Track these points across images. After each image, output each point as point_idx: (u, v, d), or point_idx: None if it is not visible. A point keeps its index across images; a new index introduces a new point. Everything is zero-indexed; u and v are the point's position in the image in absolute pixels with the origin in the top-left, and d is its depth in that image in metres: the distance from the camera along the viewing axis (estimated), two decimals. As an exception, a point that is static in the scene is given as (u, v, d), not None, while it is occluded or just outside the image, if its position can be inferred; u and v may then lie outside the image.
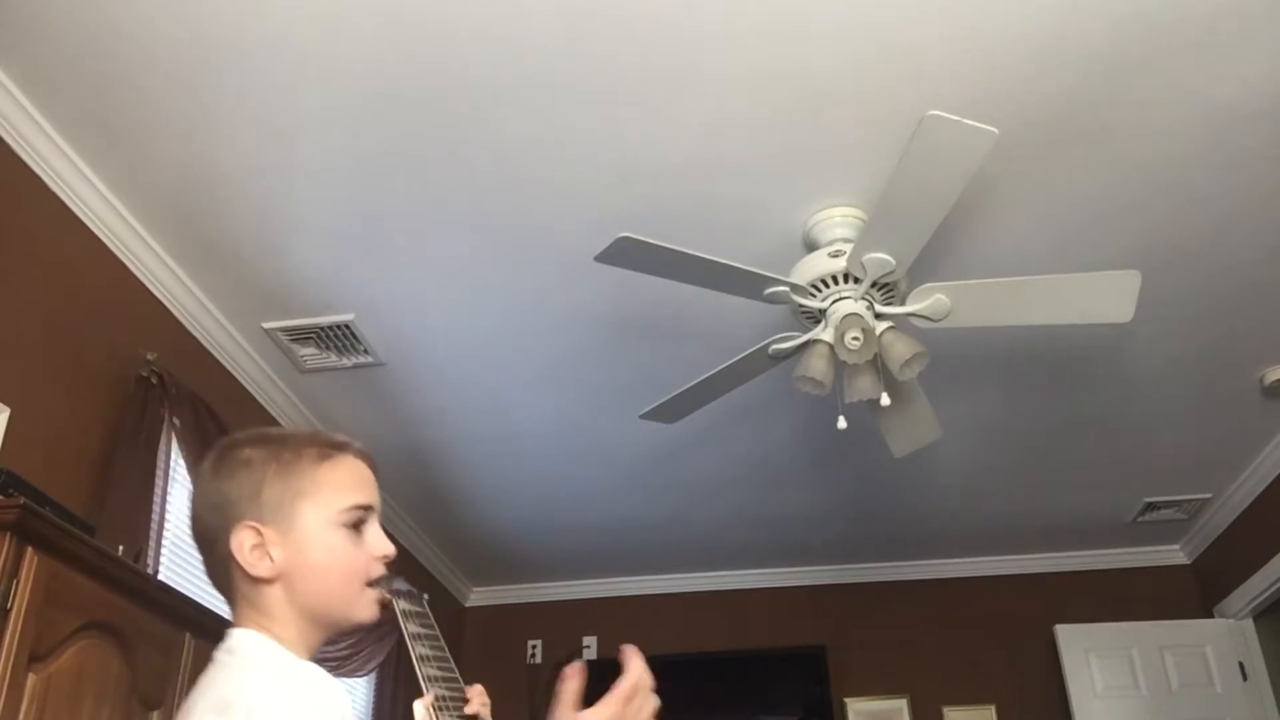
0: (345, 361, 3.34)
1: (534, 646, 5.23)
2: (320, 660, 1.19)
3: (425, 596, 1.25)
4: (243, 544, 1.12)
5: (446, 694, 1.16)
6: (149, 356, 2.68)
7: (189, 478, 2.71)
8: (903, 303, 2.60)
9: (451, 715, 1.14)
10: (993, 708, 4.88)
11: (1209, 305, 3.17)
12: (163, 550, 2.58)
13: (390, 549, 1.20)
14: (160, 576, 2.48)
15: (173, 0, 2.07)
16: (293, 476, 1.14)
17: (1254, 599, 4.52)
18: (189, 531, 1.21)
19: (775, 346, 2.74)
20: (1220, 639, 4.71)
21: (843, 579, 5.22)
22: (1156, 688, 4.64)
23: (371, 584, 1.18)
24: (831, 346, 2.59)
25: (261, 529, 1.12)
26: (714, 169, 2.57)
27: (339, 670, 3.40)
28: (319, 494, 1.15)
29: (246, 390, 3.33)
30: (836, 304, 2.57)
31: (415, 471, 4.01)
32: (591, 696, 1.20)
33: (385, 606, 1.21)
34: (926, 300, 2.58)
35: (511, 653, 5.21)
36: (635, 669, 1.14)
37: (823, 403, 3.20)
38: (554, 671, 1.17)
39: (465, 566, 5.09)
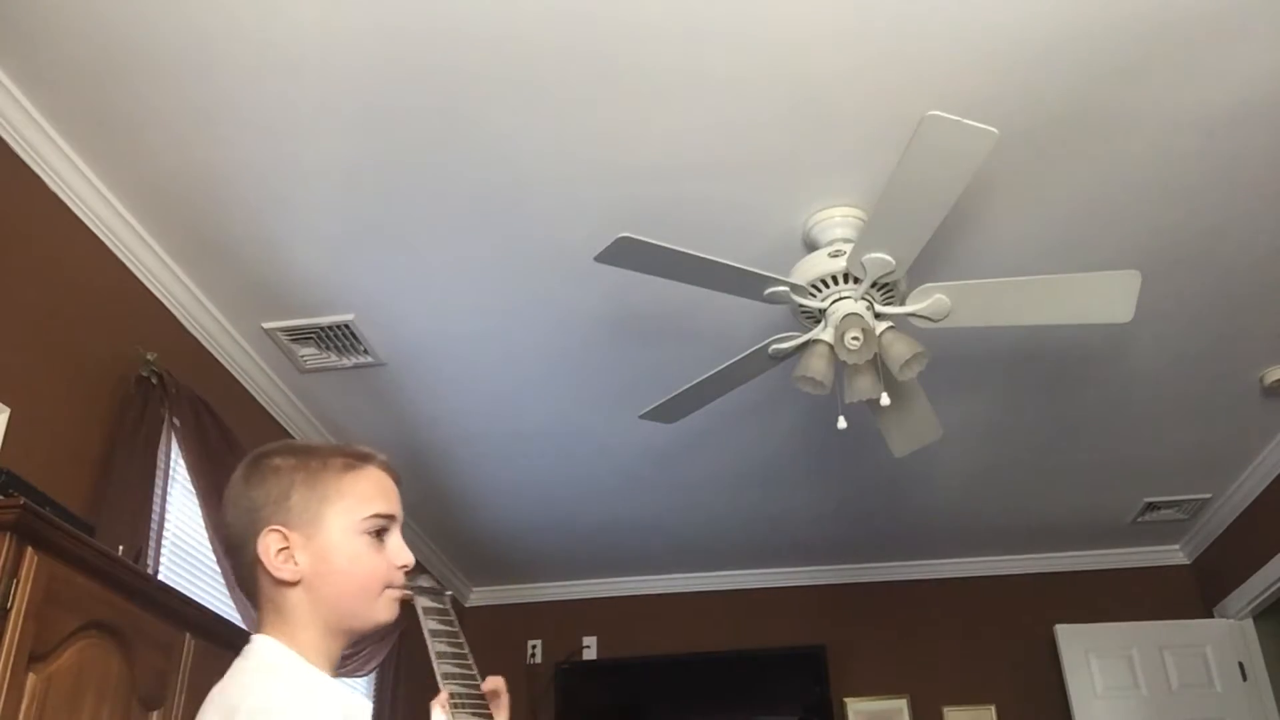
0: (345, 361, 3.34)
1: (534, 646, 5.23)
2: None
3: (449, 594, 1.27)
4: (269, 547, 1.17)
5: (462, 691, 1.17)
6: (149, 356, 2.67)
7: (189, 478, 2.71)
8: (903, 303, 2.60)
9: (467, 713, 1.15)
10: (993, 708, 4.88)
11: (1209, 305, 3.17)
12: (163, 550, 2.58)
13: (410, 558, 1.24)
14: (160, 576, 2.48)
15: (173, 1, 2.07)
16: (319, 484, 1.20)
17: (1254, 599, 4.52)
18: (218, 539, 1.25)
19: (775, 346, 2.74)
20: (1220, 639, 4.71)
21: (843, 579, 5.22)
22: (1156, 688, 4.65)
23: (391, 589, 1.21)
24: (831, 346, 2.59)
25: (288, 533, 1.18)
26: (714, 169, 2.57)
27: (339, 671, 3.40)
28: (343, 502, 1.20)
29: (246, 390, 3.33)
30: (836, 304, 2.57)
31: (415, 471, 4.01)
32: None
33: (407, 602, 1.25)
34: (926, 300, 2.58)
35: (511, 653, 5.21)
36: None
37: (823, 403, 3.20)
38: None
39: (465, 566, 5.09)
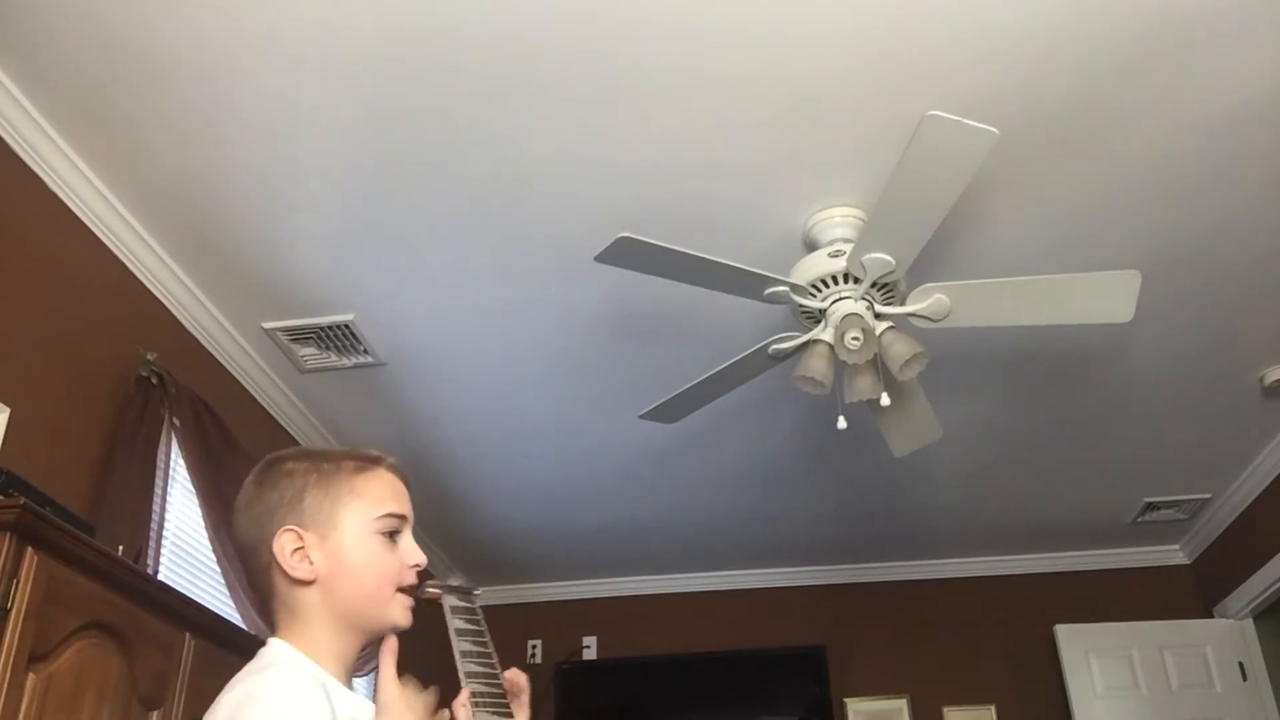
0: (345, 361, 3.34)
1: (534, 646, 5.23)
2: None
3: (477, 592, 1.29)
4: (284, 547, 1.19)
5: (485, 690, 1.18)
6: (149, 356, 2.67)
7: (189, 478, 2.71)
8: (903, 303, 2.60)
9: (487, 712, 1.16)
10: (993, 708, 4.88)
11: (1209, 305, 3.17)
12: (163, 550, 2.58)
13: (422, 558, 1.26)
14: (160, 576, 2.48)
15: (173, 1, 2.07)
16: (333, 485, 1.22)
17: (1254, 599, 4.52)
18: (231, 545, 1.26)
19: (775, 346, 2.74)
20: (1220, 639, 4.71)
21: (843, 579, 5.22)
22: (1156, 688, 4.64)
23: (403, 589, 1.22)
24: (831, 346, 2.59)
25: (303, 533, 1.19)
26: (714, 169, 2.57)
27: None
28: (357, 502, 1.23)
29: (246, 390, 3.33)
30: (836, 304, 2.57)
31: (415, 471, 3.96)
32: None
33: (432, 602, 1.26)
34: (926, 300, 2.58)
35: (511, 653, 5.20)
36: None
37: (823, 403, 3.20)
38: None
39: (465, 566, 5.09)
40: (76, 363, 2.53)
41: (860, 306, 2.55)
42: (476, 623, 1.25)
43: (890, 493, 4.41)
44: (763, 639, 5.04)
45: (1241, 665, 4.65)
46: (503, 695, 1.21)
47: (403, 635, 1.24)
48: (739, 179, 2.61)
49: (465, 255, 2.86)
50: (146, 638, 2.03)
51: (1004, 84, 2.33)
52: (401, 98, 2.33)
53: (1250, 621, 4.69)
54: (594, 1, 2.10)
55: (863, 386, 2.70)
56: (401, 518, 1.26)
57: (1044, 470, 4.25)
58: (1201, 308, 3.19)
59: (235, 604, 2.75)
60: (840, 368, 2.70)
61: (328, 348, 3.26)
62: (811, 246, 2.72)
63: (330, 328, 3.15)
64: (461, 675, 1.19)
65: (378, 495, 1.25)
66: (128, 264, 2.74)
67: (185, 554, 2.79)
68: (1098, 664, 4.69)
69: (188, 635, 2.17)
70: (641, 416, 3.08)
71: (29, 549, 1.73)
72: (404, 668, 1.18)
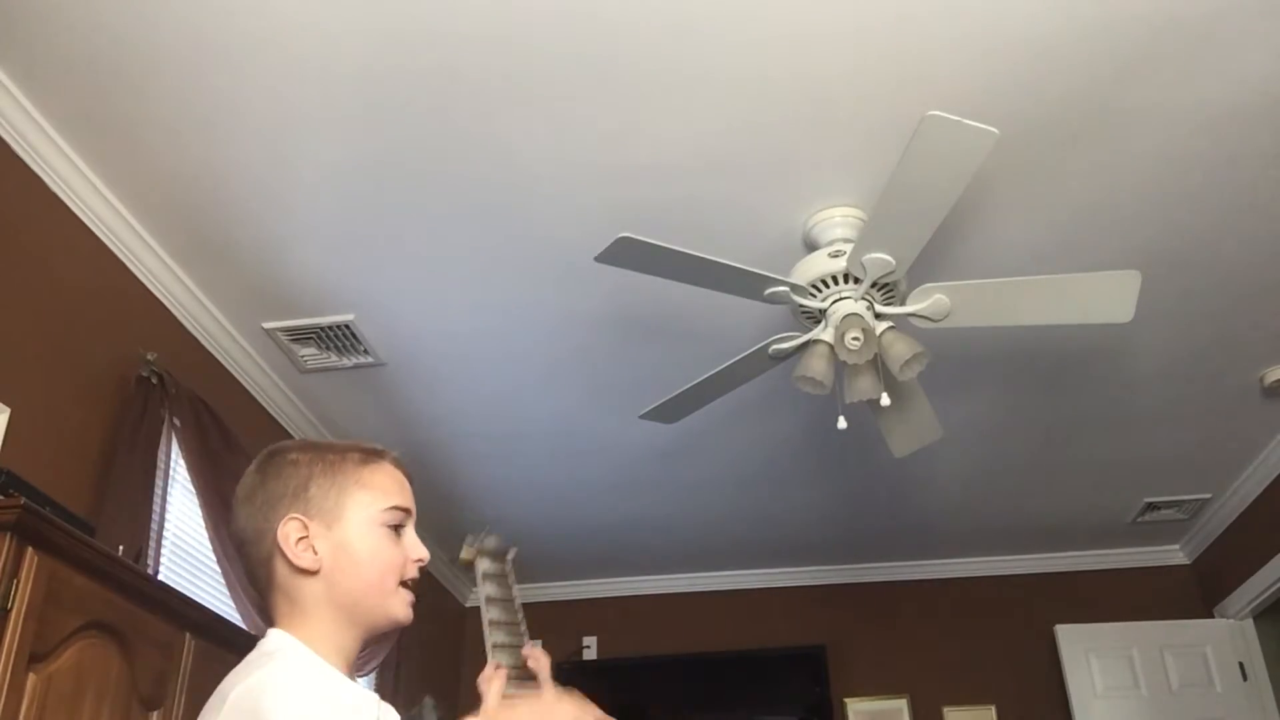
0: (345, 361, 3.34)
1: (534, 647, 5.22)
2: None
3: (511, 553, 1.28)
4: (289, 535, 1.18)
5: (512, 662, 1.18)
6: (149, 356, 2.67)
7: (189, 478, 2.71)
8: (903, 303, 2.60)
9: (514, 684, 1.16)
10: (993, 708, 4.88)
11: (1209, 305, 3.17)
12: (163, 550, 2.58)
13: (426, 553, 1.26)
14: (160, 576, 2.48)
15: (173, 1, 2.07)
16: (339, 475, 1.22)
17: (1254, 599, 4.52)
18: (230, 537, 1.24)
19: (775, 346, 2.74)
20: (1220, 639, 4.71)
21: (843, 579, 5.22)
22: (1156, 688, 4.65)
23: (405, 583, 1.22)
24: (831, 346, 2.59)
25: (307, 522, 1.18)
26: (714, 169, 2.57)
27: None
28: (363, 493, 1.22)
29: (246, 390, 3.33)
30: (836, 304, 2.57)
31: (415, 471, 3.98)
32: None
33: (470, 563, 1.27)
34: (926, 300, 2.58)
35: (511, 653, 5.20)
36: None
37: (823, 403, 3.20)
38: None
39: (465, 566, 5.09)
40: (77, 363, 2.53)
41: (860, 306, 2.55)
42: (507, 587, 1.26)
43: (890, 493, 4.40)
44: (763, 639, 5.04)
45: (1241, 665, 4.65)
46: (525, 665, 1.22)
47: (410, 624, 1.24)
48: (739, 179, 2.61)
49: (465, 255, 2.86)
50: (146, 638, 2.03)
51: (1004, 84, 2.33)
52: (401, 98, 2.33)
53: (1250, 622, 4.69)
54: (594, 1, 2.10)
55: (863, 386, 2.70)
56: (406, 511, 1.26)
57: (1044, 470, 4.25)
58: (1201, 308, 3.19)
59: (235, 604, 2.75)
60: (840, 368, 2.70)
61: (328, 348, 3.26)
62: (811, 246, 2.72)
63: (330, 328, 3.15)
64: (488, 646, 1.19)
65: (384, 487, 1.24)
66: (128, 264, 2.74)
67: (185, 554, 2.79)
68: (1098, 664, 4.69)
69: (188, 635, 2.17)
70: (641, 416, 3.08)
71: (29, 549, 1.73)
72: (410, 652, 1.18)
